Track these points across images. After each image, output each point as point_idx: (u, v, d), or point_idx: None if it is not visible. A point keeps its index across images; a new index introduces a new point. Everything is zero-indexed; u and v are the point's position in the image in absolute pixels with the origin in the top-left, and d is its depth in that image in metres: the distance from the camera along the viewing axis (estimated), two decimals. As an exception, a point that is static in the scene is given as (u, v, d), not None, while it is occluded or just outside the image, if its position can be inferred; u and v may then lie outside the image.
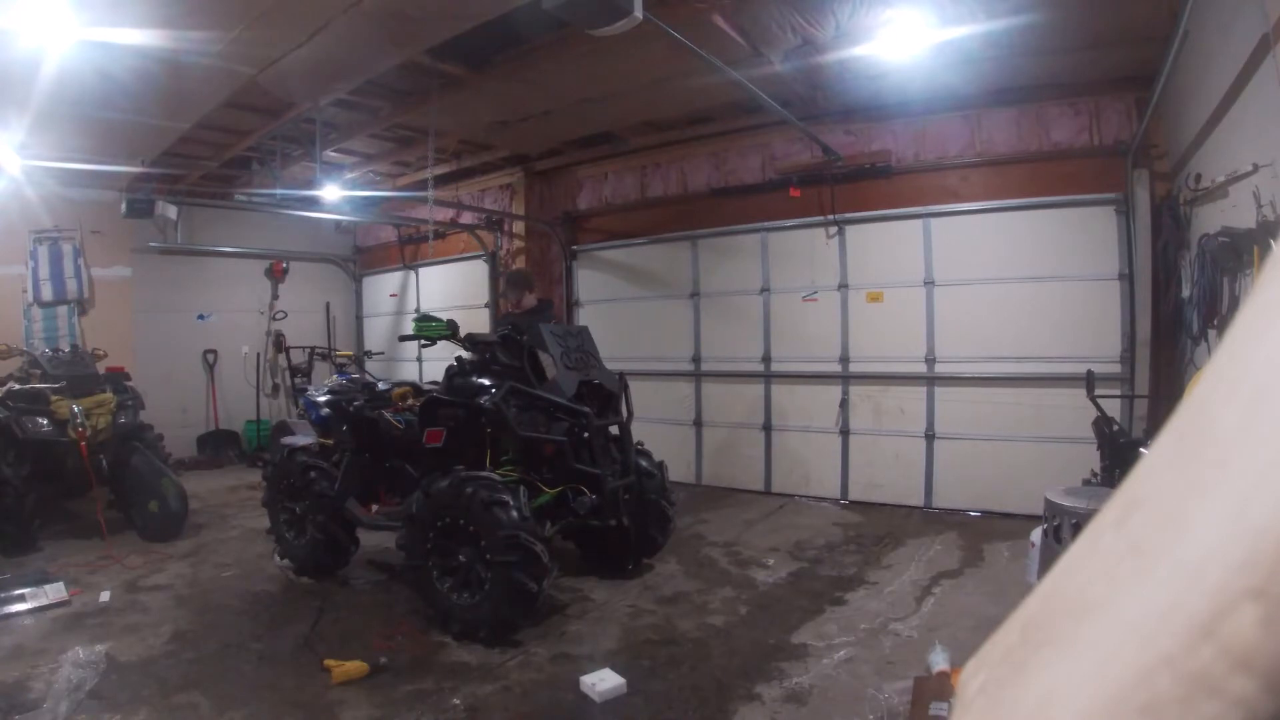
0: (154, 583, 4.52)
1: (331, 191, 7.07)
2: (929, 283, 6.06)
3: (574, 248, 8.30)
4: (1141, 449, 3.29)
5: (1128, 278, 5.36)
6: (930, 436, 6.10)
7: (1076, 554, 0.30)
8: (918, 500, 6.12)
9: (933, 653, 3.06)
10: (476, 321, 8.32)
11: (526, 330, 4.27)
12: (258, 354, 9.23)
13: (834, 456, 6.56)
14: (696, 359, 7.37)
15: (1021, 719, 0.28)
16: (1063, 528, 3.28)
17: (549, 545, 3.60)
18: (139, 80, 4.67)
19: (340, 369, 6.14)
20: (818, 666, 3.28)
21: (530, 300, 5.07)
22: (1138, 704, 0.23)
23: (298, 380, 7.96)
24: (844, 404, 6.49)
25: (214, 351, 8.94)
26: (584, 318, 8.09)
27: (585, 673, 3.17)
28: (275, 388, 9.35)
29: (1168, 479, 0.27)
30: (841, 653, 3.41)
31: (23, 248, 7.34)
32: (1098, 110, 5.49)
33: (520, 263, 8.34)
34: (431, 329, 4.33)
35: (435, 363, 7.48)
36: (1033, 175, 5.72)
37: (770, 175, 6.89)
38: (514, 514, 3.46)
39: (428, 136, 6.40)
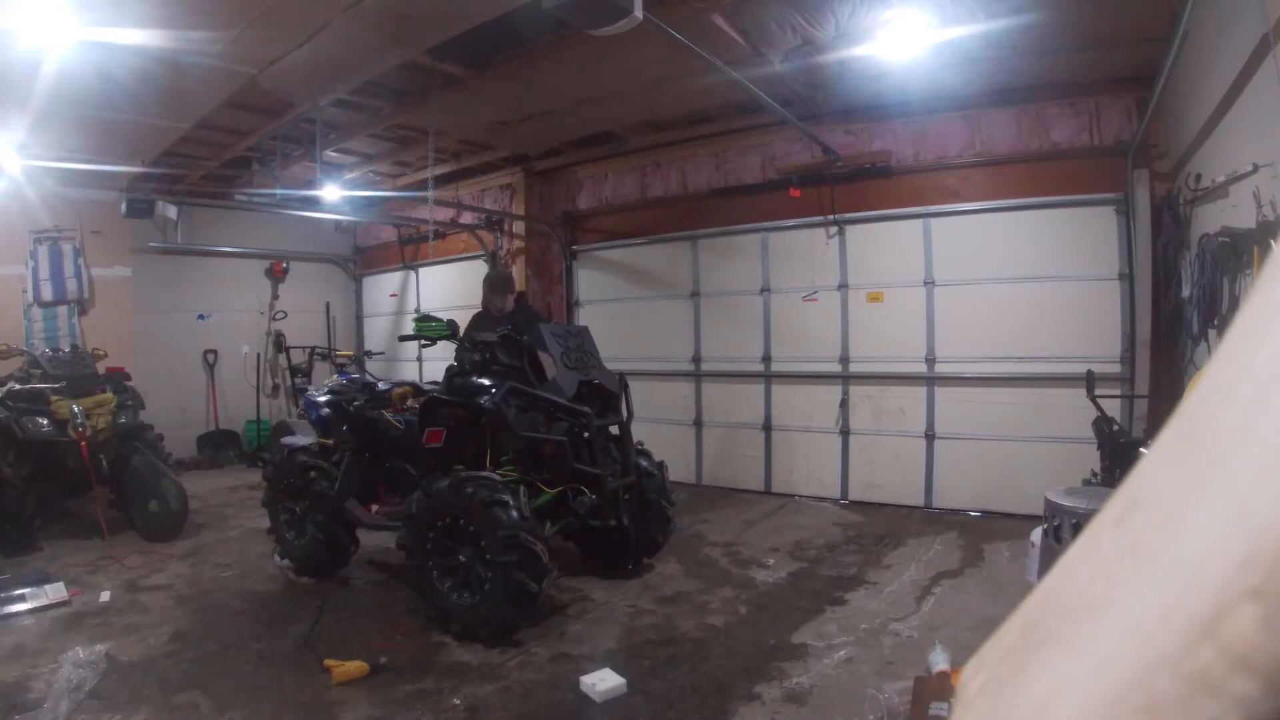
0: (154, 583, 4.52)
1: (331, 191, 7.07)
2: (929, 283, 6.06)
3: (574, 248, 8.30)
4: (1141, 449, 3.29)
5: (1128, 278, 5.36)
6: (930, 436, 6.10)
7: (1076, 554, 0.30)
8: (918, 500, 6.12)
9: (933, 653, 3.06)
10: (476, 321, 8.31)
11: (526, 330, 4.28)
12: (258, 354, 9.24)
13: (834, 456, 6.56)
14: (696, 359, 7.37)
15: (1021, 719, 0.28)
16: (1063, 528, 3.28)
17: (549, 545, 3.60)
18: (139, 80, 4.67)
19: (340, 369, 6.14)
20: (818, 666, 3.28)
21: (510, 303, 5.10)
22: (1138, 704, 0.23)
23: (298, 380, 7.95)
24: (844, 404, 6.49)
25: (214, 351, 8.94)
26: (584, 318, 8.08)
27: (585, 673, 3.17)
28: (275, 388, 9.36)
29: (1168, 479, 0.27)
30: (841, 653, 3.41)
31: (23, 248, 7.34)
32: (1098, 110, 5.49)
33: (520, 263, 8.34)
34: (431, 329, 4.34)
35: (435, 363, 7.49)
36: (1033, 175, 5.72)
37: (770, 175, 6.89)
38: (514, 514, 3.46)
39: (428, 136, 6.40)
